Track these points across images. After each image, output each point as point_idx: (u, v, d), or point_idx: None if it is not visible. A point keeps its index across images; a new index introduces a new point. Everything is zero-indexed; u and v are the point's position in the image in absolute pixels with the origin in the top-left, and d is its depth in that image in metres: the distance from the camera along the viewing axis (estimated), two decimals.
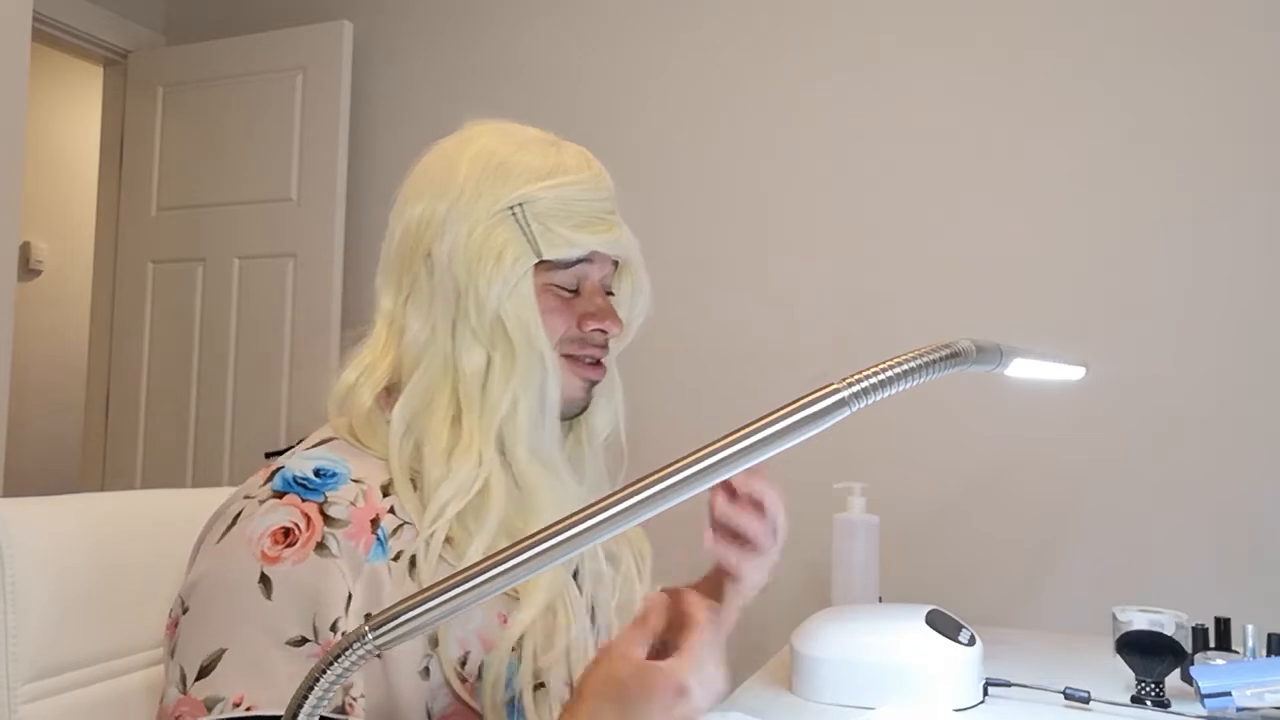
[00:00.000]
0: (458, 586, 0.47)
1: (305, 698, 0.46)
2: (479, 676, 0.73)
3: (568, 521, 0.46)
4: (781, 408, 0.45)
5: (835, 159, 2.10)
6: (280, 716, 0.63)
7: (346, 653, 0.46)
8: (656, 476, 0.45)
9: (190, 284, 2.66)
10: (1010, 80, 1.96)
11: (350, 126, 2.54)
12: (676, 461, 0.45)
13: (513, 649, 0.74)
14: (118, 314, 2.76)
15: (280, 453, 0.80)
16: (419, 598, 0.47)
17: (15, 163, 2.07)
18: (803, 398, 0.45)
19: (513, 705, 0.74)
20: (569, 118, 2.34)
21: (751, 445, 0.45)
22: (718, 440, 0.45)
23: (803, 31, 2.15)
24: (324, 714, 0.65)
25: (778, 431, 0.44)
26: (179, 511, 0.93)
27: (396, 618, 0.47)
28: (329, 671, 0.46)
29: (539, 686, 0.75)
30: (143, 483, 2.65)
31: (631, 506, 0.45)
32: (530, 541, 0.46)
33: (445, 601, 0.47)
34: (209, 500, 0.81)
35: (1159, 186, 1.85)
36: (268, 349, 2.54)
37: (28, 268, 3.65)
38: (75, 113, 3.67)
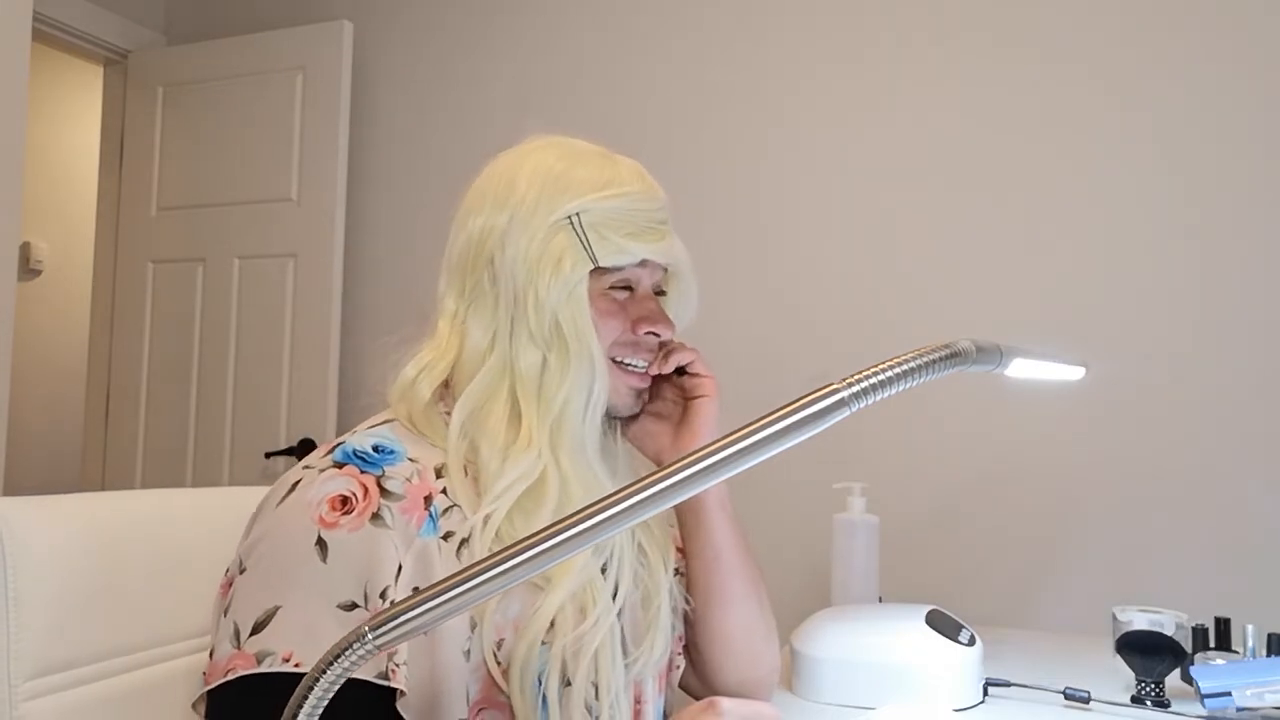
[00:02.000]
0: (459, 585, 0.47)
1: (305, 698, 0.46)
2: (511, 664, 0.75)
3: (568, 521, 0.46)
4: (781, 408, 0.45)
5: (835, 159, 2.10)
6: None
7: (346, 652, 0.46)
8: (656, 476, 0.46)
9: (190, 284, 2.66)
10: (1011, 80, 1.96)
11: (350, 126, 2.54)
12: (677, 461, 0.46)
13: (543, 641, 0.76)
14: (118, 314, 2.76)
15: (280, 453, 0.81)
16: (420, 597, 0.47)
17: (15, 163, 2.07)
18: (803, 398, 0.45)
19: (541, 698, 0.75)
20: (568, 117, 2.34)
21: (751, 445, 0.45)
22: (718, 440, 0.45)
23: (802, 32, 2.15)
24: (368, 678, 0.68)
25: (778, 431, 0.44)
26: (179, 511, 0.93)
27: (397, 617, 0.47)
28: (329, 671, 0.46)
29: (567, 683, 0.76)
30: (143, 483, 2.65)
31: (631, 507, 0.45)
32: (531, 541, 0.46)
33: (446, 601, 0.47)
34: (209, 500, 0.82)
35: (1160, 186, 1.85)
36: (268, 349, 2.54)
37: (28, 268, 3.65)
38: (75, 113, 3.68)
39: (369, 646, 0.47)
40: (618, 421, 0.92)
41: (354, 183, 2.54)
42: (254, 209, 2.59)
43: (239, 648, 0.68)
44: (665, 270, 0.90)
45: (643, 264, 0.86)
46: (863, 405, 0.44)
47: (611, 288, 0.85)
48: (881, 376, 0.44)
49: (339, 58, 2.52)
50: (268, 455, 2.47)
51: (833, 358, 2.01)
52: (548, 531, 0.46)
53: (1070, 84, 1.92)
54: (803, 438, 0.44)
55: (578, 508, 0.76)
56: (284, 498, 0.74)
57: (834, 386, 0.44)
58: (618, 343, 0.86)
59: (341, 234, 2.50)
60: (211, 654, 0.71)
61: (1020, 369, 0.53)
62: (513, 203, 0.83)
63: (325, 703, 0.47)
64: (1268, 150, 1.78)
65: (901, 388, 0.44)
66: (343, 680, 0.47)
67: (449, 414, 0.82)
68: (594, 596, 0.79)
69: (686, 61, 2.25)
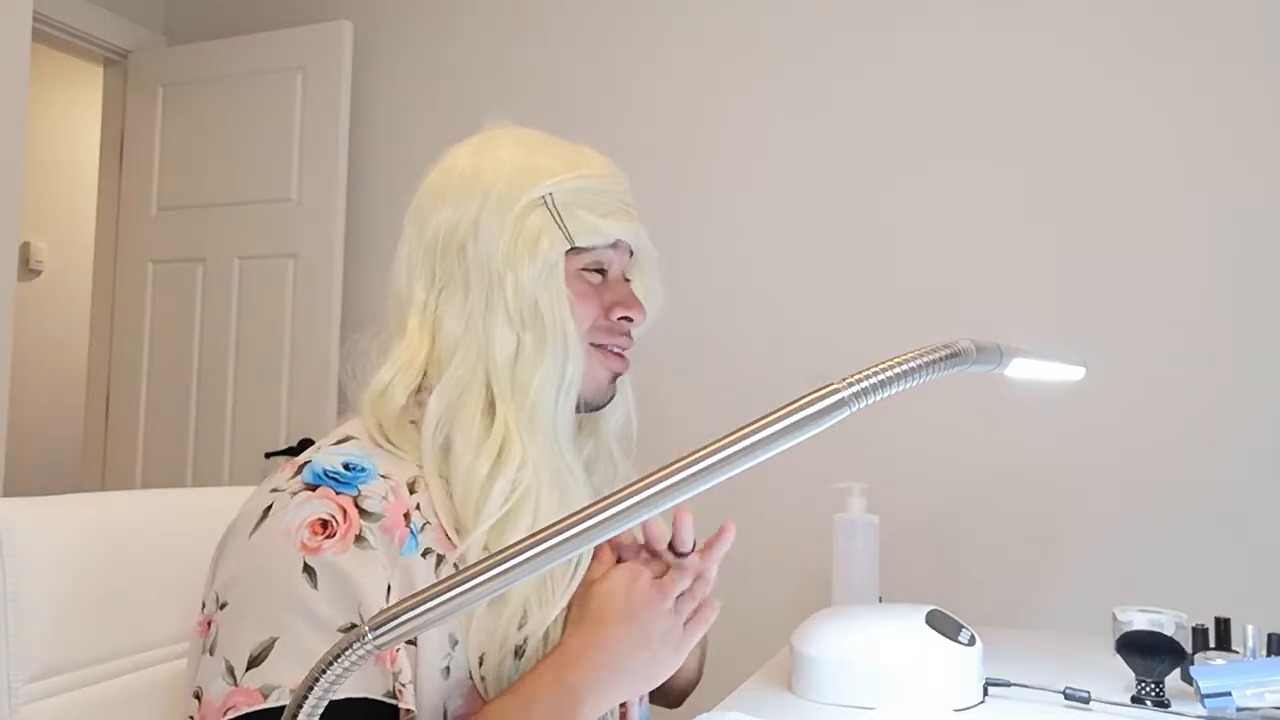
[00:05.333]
0: (458, 587, 0.47)
1: (305, 697, 0.46)
2: (487, 678, 0.75)
3: (567, 522, 0.46)
4: (781, 408, 0.45)
5: (836, 160, 2.10)
6: (346, 701, 0.65)
7: (346, 653, 0.46)
8: (656, 476, 0.45)
9: (190, 284, 2.66)
10: (1012, 81, 1.96)
11: (350, 126, 2.54)
12: (676, 461, 0.46)
13: (516, 649, 0.75)
14: (118, 314, 2.76)
15: (280, 453, 0.80)
16: (419, 598, 0.47)
17: (15, 163, 2.07)
18: (803, 398, 0.45)
19: None
20: (569, 118, 2.34)
21: (751, 445, 0.45)
22: (718, 440, 0.45)
23: (805, 36, 2.15)
24: (375, 698, 0.67)
25: (778, 431, 0.44)
26: (179, 511, 0.93)
27: (396, 618, 0.47)
28: (329, 671, 0.46)
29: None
30: (143, 483, 2.65)
31: (631, 506, 0.45)
32: (530, 541, 0.46)
33: (445, 602, 0.47)
34: (209, 500, 0.81)
35: (1160, 186, 1.85)
36: (268, 349, 2.54)
37: (28, 268, 3.65)
38: (75, 113, 3.67)
39: (369, 646, 0.47)
40: (593, 415, 0.89)
41: (354, 183, 2.54)
42: (254, 209, 2.59)
43: (236, 684, 0.66)
44: (630, 257, 0.88)
45: (615, 245, 0.84)
46: (863, 405, 0.44)
47: (585, 269, 0.83)
48: (881, 376, 0.44)
49: (339, 58, 2.52)
50: (268, 455, 2.47)
51: (833, 358, 2.01)
52: (547, 531, 0.46)
53: (1072, 83, 1.92)
54: (803, 438, 0.44)
55: (548, 500, 0.77)
56: (257, 525, 0.71)
57: (834, 386, 0.44)
58: (595, 327, 0.84)
59: (341, 234, 2.50)
60: (199, 695, 0.68)
61: (1020, 369, 0.53)
62: (481, 189, 0.81)
63: (325, 703, 0.47)
64: (1269, 149, 1.78)
65: (901, 388, 0.44)
66: (344, 680, 0.47)
67: (414, 423, 0.79)
68: (544, 600, 0.78)
69: (689, 61, 2.25)
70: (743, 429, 0.45)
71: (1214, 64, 1.82)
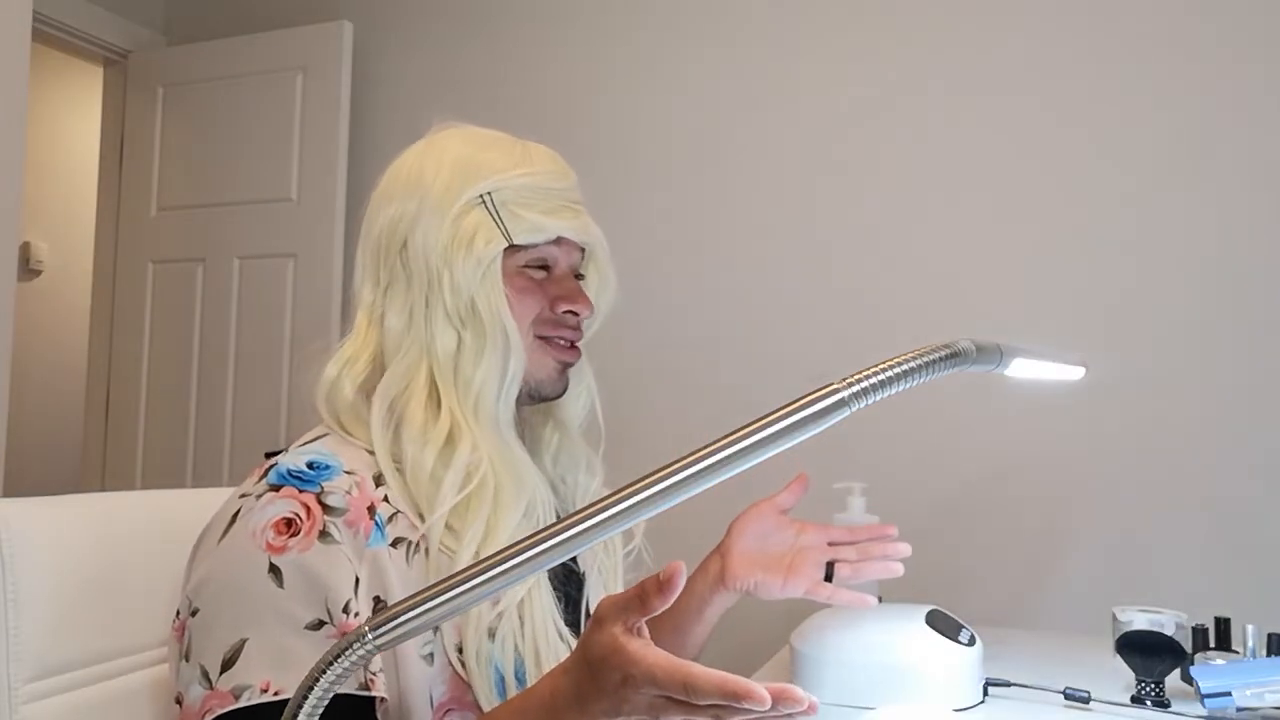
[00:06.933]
0: (458, 587, 0.47)
1: (305, 698, 0.46)
2: (466, 659, 0.75)
3: (568, 521, 0.46)
4: (781, 408, 0.45)
5: (835, 159, 2.10)
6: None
7: (346, 653, 0.46)
8: (657, 476, 0.46)
9: (190, 284, 2.66)
10: (1011, 80, 1.96)
11: (350, 126, 2.54)
12: (677, 461, 0.46)
13: (490, 630, 0.76)
14: (118, 314, 2.76)
15: (280, 453, 0.81)
16: (419, 598, 0.47)
17: (15, 163, 2.07)
18: (803, 398, 0.45)
19: (500, 684, 0.76)
20: (567, 118, 2.34)
21: (751, 445, 0.45)
22: (718, 440, 0.45)
23: (803, 33, 2.15)
24: (348, 691, 0.67)
25: (778, 431, 0.44)
26: (179, 511, 0.93)
27: (396, 618, 0.47)
28: (329, 671, 0.46)
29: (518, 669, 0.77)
30: (143, 483, 2.65)
31: (632, 506, 0.45)
32: (530, 541, 0.47)
33: (445, 602, 0.47)
34: (209, 500, 0.81)
35: (1160, 186, 1.85)
36: (268, 349, 2.54)
37: (28, 268, 3.65)
38: (75, 113, 3.67)
39: (369, 646, 0.47)
40: (555, 407, 0.92)
41: (354, 183, 2.54)
42: (254, 209, 2.59)
43: (212, 688, 0.67)
44: (583, 253, 0.90)
45: (559, 242, 0.86)
46: (863, 405, 0.44)
47: (527, 265, 0.85)
48: (881, 376, 0.44)
49: (339, 58, 2.52)
50: (268, 455, 2.45)
51: (833, 358, 2.01)
52: (547, 531, 0.46)
53: (1071, 81, 1.92)
54: (803, 438, 0.44)
55: (505, 481, 0.78)
56: (225, 531, 0.72)
57: (834, 386, 0.45)
58: (539, 320, 0.85)
59: (341, 234, 2.50)
60: (180, 700, 0.69)
61: (1020, 369, 0.53)
62: (422, 189, 0.83)
63: (324, 704, 0.47)
64: (1271, 148, 1.78)
65: (901, 388, 0.44)
66: (345, 680, 0.47)
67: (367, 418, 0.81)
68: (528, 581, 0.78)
69: (690, 62, 2.25)
70: (743, 429, 0.45)
71: (1214, 62, 1.82)
